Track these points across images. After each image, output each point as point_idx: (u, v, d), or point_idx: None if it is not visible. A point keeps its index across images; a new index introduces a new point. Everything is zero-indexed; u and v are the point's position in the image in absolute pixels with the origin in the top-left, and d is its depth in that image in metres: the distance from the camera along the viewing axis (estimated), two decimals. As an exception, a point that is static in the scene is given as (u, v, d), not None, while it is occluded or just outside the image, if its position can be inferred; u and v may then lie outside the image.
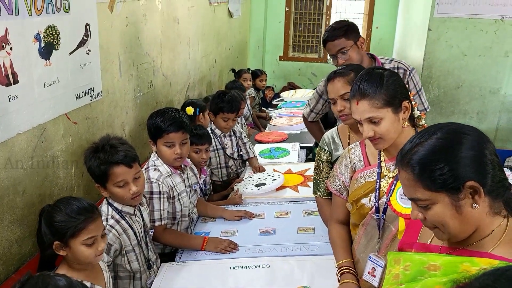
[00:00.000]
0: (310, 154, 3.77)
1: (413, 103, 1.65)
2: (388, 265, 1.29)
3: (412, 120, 1.66)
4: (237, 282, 1.93)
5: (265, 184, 2.85)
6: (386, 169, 1.70)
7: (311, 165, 3.13)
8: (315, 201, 2.50)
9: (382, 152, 1.73)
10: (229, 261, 2.10)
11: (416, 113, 1.68)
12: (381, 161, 1.72)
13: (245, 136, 3.35)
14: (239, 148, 3.30)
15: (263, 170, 3.13)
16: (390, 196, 1.62)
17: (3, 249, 1.78)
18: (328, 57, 2.65)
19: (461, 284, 0.79)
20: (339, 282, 1.77)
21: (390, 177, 1.68)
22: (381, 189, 1.68)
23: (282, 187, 2.84)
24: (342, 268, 1.79)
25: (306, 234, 2.28)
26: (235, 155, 3.25)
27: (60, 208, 1.52)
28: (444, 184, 1.06)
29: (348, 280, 1.73)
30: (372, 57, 2.61)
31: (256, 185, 2.86)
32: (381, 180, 1.69)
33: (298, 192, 2.79)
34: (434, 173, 1.07)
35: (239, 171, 3.28)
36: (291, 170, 3.13)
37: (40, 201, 2.00)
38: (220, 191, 3.06)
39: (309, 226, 2.34)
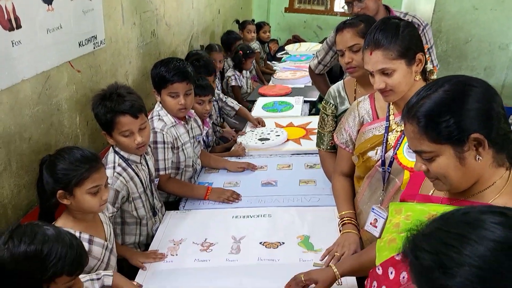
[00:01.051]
0: (313, 109, 3.76)
1: (426, 56, 1.62)
2: (389, 215, 1.32)
3: (424, 74, 1.64)
4: (239, 231, 1.98)
5: (268, 139, 2.87)
6: (395, 123, 1.70)
7: (313, 118, 3.14)
8: (317, 155, 2.53)
9: (391, 106, 1.72)
10: (232, 210, 2.15)
11: (429, 67, 1.65)
12: (389, 115, 1.72)
13: (222, 95, 3.30)
14: (221, 111, 3.27)
15: (263, 124, 3.13)
16: (397, 150, 1.63)
17: (12, 194, 1.82)
18: (343, 4, 2.57)
19: (414, 231, 0.81)
20: (340, 232, 1.82)
21: (398, 131, 1.68)
22: (388, 143, 1.69)
23: (284, 141, 2.86)
24: (344, 218, 1.83)
25: (307, 186, 2.32)
26: (218, 120, 3.21)
27: (63, 156, 1.53)
28: (449, 137, 1.06)
29: (349, 230, 1.78)
30: (387, 9, 2.54)
31: (260, 139, 2.88)
32: (389, 133, 1.70)
33: (301, 145, 2.81)
34: (439, 125, 1.07)
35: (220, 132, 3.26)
36: (292, 124, 3.13)
37: (46, 149, 2.02)
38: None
39: (310, 179, 2.38)
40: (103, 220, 1.71)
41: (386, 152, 1.69)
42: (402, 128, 1.65)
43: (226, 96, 3.35)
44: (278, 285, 1.60)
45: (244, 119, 3.30)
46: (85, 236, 1.58)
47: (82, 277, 1.41)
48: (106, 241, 1.66)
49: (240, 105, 3.32)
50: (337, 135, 1.94)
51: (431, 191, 1.26)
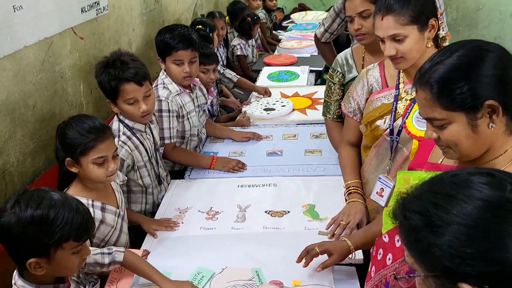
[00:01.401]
0: (318, 80, 3.71)
1: (439, 22, 1.57)
2: (396, 184, 1.31)
3: (436, 41, 1.59)
4: (244, 200, 1.98)
5: (274, 109, 2.85)
6: (404, 91, 1.67)
7: (319, 88, 3.11)
8: (323, 124, 2.51)
9: (401, 74, 1.68)
10: (237, 180, 2.15)
11: (441, 33, 1.59)
12: (399, 83, 1.68)
13: (220, 66, 3.18)
14: (219, 82, 3.19)
15: (269, 94, 3.09)
16: (406, 119, 1.60)
17: (17, 161, 1.82)
18: None
19: (404, 194, 0.83)
20: (346, 201, 1.82)
21: (407, 100, 1.65)
22: (397, 111, 1.66)
23: (290, 111, 2.84)
24: (350, 188, 1.82)
25: (313, 156, 2.31)
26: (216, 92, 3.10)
27: (72, 125, 1.52)
28: (463, 104, 1.04)
29: (355, 200, 1.78)
30: None
31: (265, 109, 2.86)
32: (398, 102, 1.67)
33: (306, 115, 2.79)
34: (453, 92, 1.04)
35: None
36: (298, 93, 3.10)
37: (50, 117, 2.01)
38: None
39: (316, 148, 2.36)
40: (114, 188, 1.71)
41: (394, 121, 1.66)
42: (412, 97, 1.62)
43: (224, 68, 3.29)
44: (283, 253, 1.62)
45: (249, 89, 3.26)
46: (97, 204, 1.59)
47: (93, 250, 1.42)
48: (118, 208, 1.67)
49: (239, 77, 3.25)
50: (345, 104, 1.91)
51: (440, 159, 1.24)
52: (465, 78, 1.03)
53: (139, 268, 1.49)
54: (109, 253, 1.45)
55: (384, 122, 1.69)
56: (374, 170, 1.77)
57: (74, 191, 1.56)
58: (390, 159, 1.69)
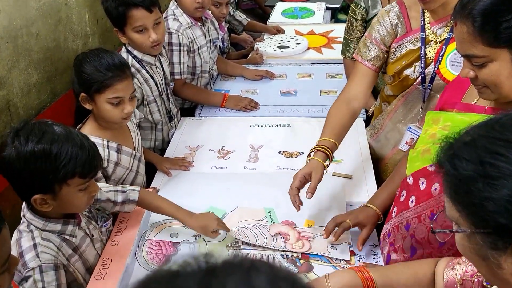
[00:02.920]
0: (333, 20, 3.51)
1: None
2: (425, 125, 1.24)
3: None
4: (257, 140, 1.92)
5: (288, 47, 2.72)
6: (432, 33, 1.50)
7: (336, 26, 2.96)
8: (339, 64, 2.41)
9: (426, 13, 1.51)
10: (249, 119, 2.08)
11: None
12: (425, 24, 1.51)
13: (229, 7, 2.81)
14: (228, 25, 2.94)
15: (282, 31, 2.94)
16: (439, 64, 1.46)
17: (22, 92, 1.75)
18: None
19: (450, 138, 0.72)
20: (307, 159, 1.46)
21: (437, 42, 1.50)
22: (427, 57, 1.51)
23: (305, 49, 2.71)
24: (318, 146, 1.44)
25: (328, 96, 2.21)
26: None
27: (89, 58, 1.43)
28: (509, 39, 0.94)
29: (316, 158, 1.41)
30: None
31: (279, 47, 2.73)
32: (426, 46, 1.51)
33: (322, 54, 2.66)
34: (499, 26, 0.94)
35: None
36: (313, 32, 2.95)
37: (55, 46, 1.91)
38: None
39: (332, 89, 2.27)
40: (130, 128, 1.64)
41: (426, 67, 1.51)
42: (442, 39, 1.48)
43: (234, 10, 3.10)
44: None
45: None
46: (113, 145, 1.52)
47: (106, 187, 1.37)
48: (134, 150, 1.60)
49: (249, 19, 3.02)
50: (360, 52, 1.60)
51: (475, 100, 1.15)
52: None
53: (157, 205, 1.41)
54: (123, 191, 1.38)
55: (414, 71, 1.55)
56: (402, 118, 1.65)
57: (88, 129, 1.49)
58: (421, 108, 1.56)
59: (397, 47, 1.59)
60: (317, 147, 1.44)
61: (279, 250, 1.37)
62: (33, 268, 1.10)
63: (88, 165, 1.12)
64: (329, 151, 1.42)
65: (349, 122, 1.53)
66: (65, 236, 1.19)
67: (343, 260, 1.32)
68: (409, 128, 1.59)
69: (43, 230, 1.16)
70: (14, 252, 1.10)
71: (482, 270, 0.71)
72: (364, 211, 1.36)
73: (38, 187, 1.09)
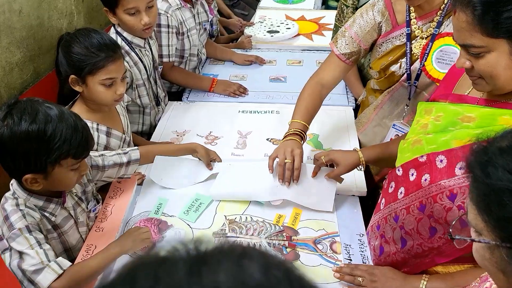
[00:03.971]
0: (323, 6, 3.46)
1: None
2: (416, 115, 1.23)
3: None
4: (245, 126, 1.90)
5: (278, 31, 2.68)
6: (418, 29, 1.47)
7: (327, 13, 2.93)
8: (329, 51, 2.37)
9: (411, 8, 1.48)
10: (238, 104, 2.06)
11: None
12: (410, 19, 1.48)
13: None
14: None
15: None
16: (425, 61, 1.44)
17: (3, 71, 1.69)
18: None
19: (484, 143, 0.68)
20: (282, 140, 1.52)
21: (423, 38, 1.47)
22: (412, 53, 1.49)
23: (295, 35, 2.68)
24: (293, 129, 1.48)
25: (318, 84, 2.19)
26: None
27: (79, 39, 1.37)
28: (509, 30, 0.92)
29: (292, 138, 1.46)
30: None
31: (269, 32, 2.69)
32: (412, 42, 1.48)
33: (312, 40, 2.63)
34: (499, 15, 0.92)
35: None
36: (304, 17, 2.91)
37: (38, 24, 1.85)
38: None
39: (322, 77, 2.24)
40: (119, 112, 1.60)
41: (411, 64, 1.49)
42: (428, 35, 1.45)
43: None
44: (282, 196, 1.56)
45: (252, 9, 3.06)
46: (102, 128, 1.49)
47: (108, 152, 1.39)
48: (124, 133, 1.57)
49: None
50: (337, 44, 1.56)
51: (467, 91, 1.14)
52: None
53: (160, 153, 1.50)
54: (124, 153, 1.41)
55: (400, 67, 1.52)
56: (388, 114, 1.64)
57: (77, 112, 1.42)
58: (407, 105, 1.55)
59: (382, 43, 1.56)
60: (294, 131, 1.48)
61: (265, 238, 1.36)
62: (20, 228, 1.08)
63: (82, 147, 1.11)
64: (304, 133, 1.49)
65: (319, 106, 1.58)
66: (45, 213, 1.17)
67: (329, 249, 1.32)
68: (394, 125, 1.59)
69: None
70: None
71: (499, 283, 0.69)
72: (345, 152, 1.42)
73: (30, 167, 1.07)
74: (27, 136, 1.04)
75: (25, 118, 1.04)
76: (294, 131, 1.47)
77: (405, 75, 1.51)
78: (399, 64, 1.53)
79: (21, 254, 1.07)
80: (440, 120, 1.13)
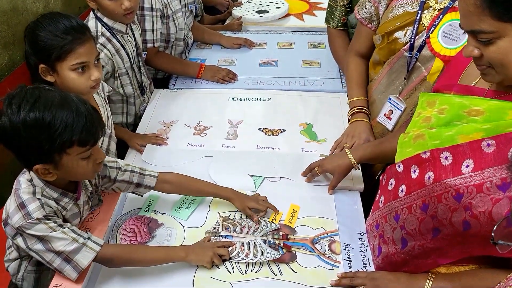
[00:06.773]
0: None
1: None
2: (418, 107, 1.16)
3: None
4: (235, 115, 1.82)
5: (267, 11, 2.58)
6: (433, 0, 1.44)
7: (318, -10, 2.81)
8: (322, 33, 2.30)
9: None
10: (227, 91, 1.97)
11: None
12: None
13: None
14: None
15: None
16: (431, 33, 1.40)
17: (-25, 61, 1.58)
18: None
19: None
20: (349, 121, 1.67)
21: (436, 10, 1.43)
22: (421, 23, 1.45)
23: (285, 15, 2.59)
24: (355, 107, 1.66)
25: (311, 68, 2.11)
26: None
27: (43, 24, 1.27)
28: None
29: (359, 119, 1.62)
30: None
31: (258, 12, 2.58)
32: (424, 12, 1.44)
33: (304, 21, 2.54)
34: None
35: None
36: (295, -4, 2.81)
37: (12, 9, 1.73)
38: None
39: (314, 60, 2.16)
40: (99, 103, 1.49)
41: (417, 34, 1.45)
42: (442, 7, 1.40)
43: None
44: (278, 174, 1.51)
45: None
46: None
47: (125, 166, 1.32)
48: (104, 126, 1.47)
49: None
50: (359, 9, 1.65)
51: (474, 82, 1.07)
52: None
53: (197, 189, 1.40)
54: (140, 174, 1.34)
55: (405, 35, 1.48)
56: (384, 89, 1.60)
57: None
58: (404, 78, 1.51)
59: (394, 6, 1.52)
60: (353, 110, 1.65)
61: (261, 237, 1.29)
62: (38, 218, 1.07)
63: (86, 132, 1.05)
64: (367, 109, 1.64)
65: (367, 76, 1.71)
66: (58, 207, 1.15)
67: (328, 249, 1.26)
68: (389, 99, 1.55)
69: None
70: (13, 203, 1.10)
71: None
72: (334, 160, 1.43)
73: (36, 157, 1.05)
74: (25, 124, 1.01)
75: (24, 106, 1.02)
76: (357, 109, 1.64)
77: (408, 44, 1.48)
78: (404, 31, 1.49)
79: (41, 238, 1.08)
80: (444, 113, 1.06)
